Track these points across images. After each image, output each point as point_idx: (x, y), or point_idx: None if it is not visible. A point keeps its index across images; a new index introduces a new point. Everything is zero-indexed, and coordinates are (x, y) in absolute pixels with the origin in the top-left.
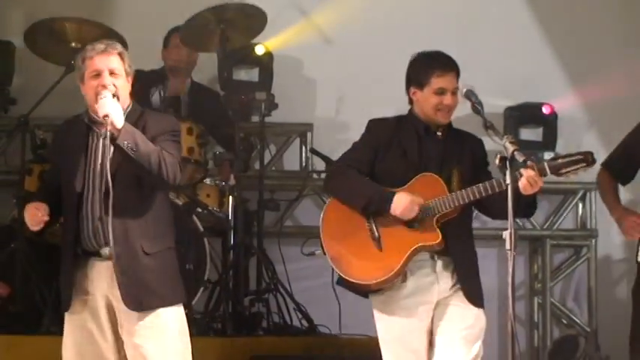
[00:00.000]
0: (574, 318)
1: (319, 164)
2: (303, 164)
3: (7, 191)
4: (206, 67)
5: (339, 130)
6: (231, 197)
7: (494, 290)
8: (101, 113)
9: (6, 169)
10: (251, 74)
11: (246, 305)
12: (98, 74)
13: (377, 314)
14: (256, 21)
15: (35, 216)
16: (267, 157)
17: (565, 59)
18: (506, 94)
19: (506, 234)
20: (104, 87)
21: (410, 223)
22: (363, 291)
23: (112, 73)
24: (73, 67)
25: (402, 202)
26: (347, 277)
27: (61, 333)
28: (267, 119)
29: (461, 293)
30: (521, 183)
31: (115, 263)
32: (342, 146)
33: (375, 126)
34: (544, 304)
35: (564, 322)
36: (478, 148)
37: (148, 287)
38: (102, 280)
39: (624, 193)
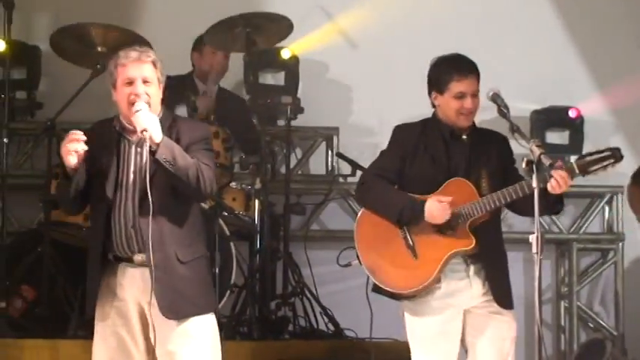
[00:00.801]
0: (601, 322)
1: (345, 168)
2: (329, 168)
3: (34, 195)
4: (232, 72)
5: (365, 133)
6: (257, 201)
7: (520, 294)
8: (139, 127)
9: (32, 173)
10: (277, 78)
11: (272, 309)
12: (131, 82)
13: (407, 316)
14: (282, 27)
15: (71, 144)
16: (293, 161)
17: (591, 62)
18: (533, 98)
19: (532, 238)
20: (137, 96)
21: (443, 230)
22: (399, 297)
23: (144, 81)
24: (99, 71)
25: (433, 208)
26: (384, 287)
27: (86, 337)
28: (293, 123)
29: (493, 302)
30: (550, 184)
31: (152, 271)
32: (368, 150)
33: (401, 132)
34: (571, 307)
35: (591, 325)
36: (504, 147)
37: (184, 295)
38: (134, 287)
39: None
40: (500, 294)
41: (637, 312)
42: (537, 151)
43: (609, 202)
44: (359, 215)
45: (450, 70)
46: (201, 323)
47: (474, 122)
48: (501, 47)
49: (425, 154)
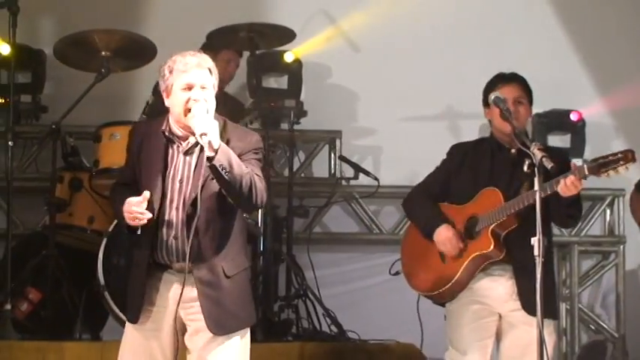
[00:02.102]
0: (602, 324)
1: (348, 171)
2: (332, 171)
3: (39, 198)
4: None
5: (368, 137)
6: None
7: None
8: (198, 131)
9: (37, 176)
10: (280, 82)
11: (275, 311)
12: (190, 88)
13: (447, 316)
14: (285, 35)
15: (138, 215)
16: (296, 164)
17: (593, 66)
18: (535, 101)
19: (534, 240)
20: (197, 101)
21: (470, 235)
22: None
23: (203, 87)
24: (104, 75)
25: (440, 237)
26: (416, 291)
27: (91, 339)
28: (296, 126)
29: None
30: (560, 186)
31: (197, 286)
32: (371, 153)
33: (452, 149)
34: (572, 309)
35: (592, 327)
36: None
37: (229, 311)
38: (171, 294)
39: None
40: (528, 301)
41: (638, 314)
42: (539, 155)
43: (610, 205)
44: (408, 224)
45: (494, 80)
46: (240, 336)
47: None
48: (503, 51)
49: (470, 169)
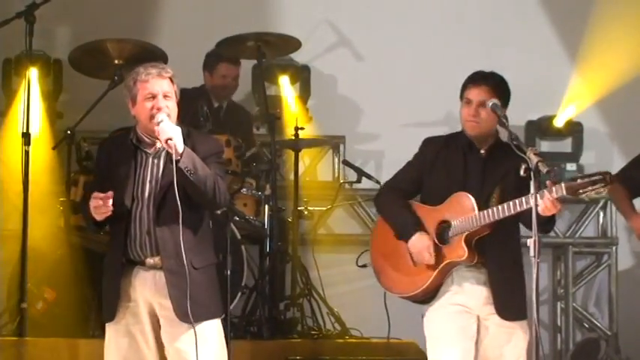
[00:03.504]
0: (595, 322)
1: (351, 175)
2: (336, 175)
3: (54, 201)
4: (242, 83)
5: (370, 142)
6: (267, 206)
7: None
8: (164, 136)
9: (53, 180)
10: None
11: (281, 310)
12: (153, 97)
13: (426, 318)
14: (291, 44)
15: (99, 207)
16: (301, 169)
17: (587, 72)
18: (528, 107)
19: (530, 242)
20: (160, 109)
21: (442, 240)
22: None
23: (165, 95)
24: (117, 83)
25: (417, 247)
26: (385, 289)
27: (104, 336)
28: (301, 132)
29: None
30: (540, 207)
31: (167, 277)
32: (373, 157)
33: (424, 145)
34: (567, 308)
35: (586, 325)
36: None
37: (197, 300)
38: (146, 288)
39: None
40: (503, 305)
41: (630, 312)
42: (535, 159)
43: (604, 208)
44: (377, 219)
45: (467, 79)
46: (211, 326)
47: (499, 138)
48: (500, 59)
49: (442, 167)
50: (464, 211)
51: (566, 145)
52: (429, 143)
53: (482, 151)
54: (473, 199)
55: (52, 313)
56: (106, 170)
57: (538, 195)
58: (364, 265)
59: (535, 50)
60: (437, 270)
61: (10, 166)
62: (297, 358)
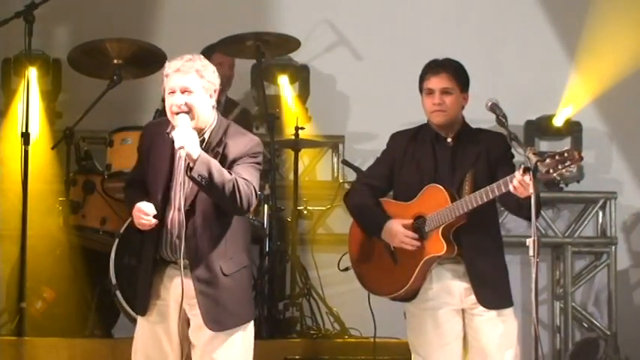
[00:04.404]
0: (594, 322)
1: (351, 175)
2: (335, 175)
3: (53, 200)
4: (241, 82)
5: (369, 142)
6: (266, 206)
7: (517, 295)
8: (176, 145)
9: (52, 179)
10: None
11: (280, 309)
12: (172, 92)
13: (408, 317)
14: (290, 43)
15: (143, 220)
16: (300, 168)
17: (586, 72)
18: (527, 107)
19: (529, 241)
20: (177, 107)
21: (420, 235)
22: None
23: (185, 91)
24: (116, 82)
25: (391, 233)
26: (369, 291)
27: (103, 336)
28: (301, 132)
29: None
30: (512, 185)
31: (195, 284)
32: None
33: (392, 140)
34: (566, 308)
35: (585, 325)
36: (494, 145)
37: (227, 308)
38: (177, 288)
39: None
40: (484, 295)
41: (629, 312)
42: (534, 159)
43: (603, 208)
44: (352, 221)
45: (423, 71)
46: (240, 332)
47: (465, 124)
48: (498, 59)
49: (412, 160)
50: (438, 204)
51: (565, 145)
52: (396, 138)
53: (448, 140)
54: (445, 191)
55: (52, 313)
56: (145, 158)
57: (508, 178)
58: (346, 269)
59: (534, 50)
60: (418, 267)
61: (9, 165)
62: (297, 357)
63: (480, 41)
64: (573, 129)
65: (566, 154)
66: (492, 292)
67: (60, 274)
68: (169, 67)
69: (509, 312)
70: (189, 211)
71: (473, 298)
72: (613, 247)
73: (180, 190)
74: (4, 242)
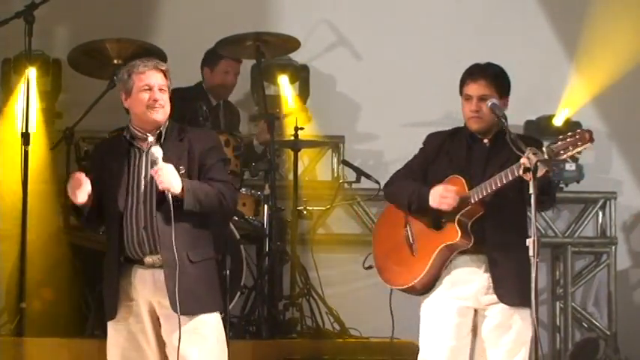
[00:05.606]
0: (594, 322)
1: (350, 175)
2: (335, 175)
3: (53, 200)
4: (241, 82)
5: (370, 142)
6: (266, 206)
7: None
8: (160, 187)
9: (51, 180)
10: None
11: (280, 309)
12: (149, 88)
13: (422, 312)
14: (290, 44)
15: (78, 184)
16: (300, 168)
17: (585, 72)
18: (527, 108)
19: (529, 241)
20: (156, 100)
21: (437, 226)
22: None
23: (160, 88)
24: (116, 82)
25: (436, 193)
26: (390, 285)
27: (102, 336)
28: (301, 132)
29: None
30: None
31: (165, 270)
32: (372, 157)
33: (428, 138)
34: (566, 308)
35: (585, 325)
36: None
37: (192, 293)
38: (145, 287)
39: None
40: (505, 290)
41: (628, 312)
42: (534, 159)
43: (603, 208)
44: (378, 218)
45: (464, 74)
46: (208, 321)
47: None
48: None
49: (446, 156)
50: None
51: None
52: (431, 137)
53: (485, 141)
54: (463, 180)
55: (51, 313)
56: (99, 171)
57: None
58: (370, 267)
59: (534, 50)
60: (433, 256)
61: (8, 165)
62: (296, 357)
63: (479, 41)
64: (573, 129)
65: (577, 135)
66: (513, 287)
67: (60, 274)
68: (143, 65)
69: (525, 313)
70: (157, 204)
71: (489, 298)
72: (613, 247)
73: (146, 183)
74: (4, 242)
